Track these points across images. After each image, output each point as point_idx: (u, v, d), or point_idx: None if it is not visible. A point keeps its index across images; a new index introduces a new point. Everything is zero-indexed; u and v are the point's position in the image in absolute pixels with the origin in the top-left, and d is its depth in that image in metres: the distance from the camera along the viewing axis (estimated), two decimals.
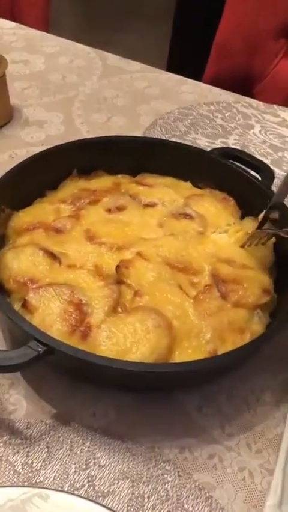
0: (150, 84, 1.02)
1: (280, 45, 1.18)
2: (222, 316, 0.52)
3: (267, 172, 0.66)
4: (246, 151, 0.77)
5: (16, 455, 0.47)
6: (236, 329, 0.51)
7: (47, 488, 0.42)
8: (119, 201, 0.64)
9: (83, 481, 0.46)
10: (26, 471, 0.46)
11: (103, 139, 0.70)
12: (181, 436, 0.49)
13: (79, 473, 0.46)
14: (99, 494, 0.45)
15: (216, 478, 0.47)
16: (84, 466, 0.46)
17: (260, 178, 0.65)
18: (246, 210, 0.65)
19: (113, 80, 1.02)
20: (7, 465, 0.46)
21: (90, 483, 0.45)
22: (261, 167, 0.67)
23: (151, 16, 2.70)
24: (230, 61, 1.23)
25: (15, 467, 0.46)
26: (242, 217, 0.65)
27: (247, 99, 0.99)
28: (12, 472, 0.46)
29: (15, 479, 0.45)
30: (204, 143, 0.87)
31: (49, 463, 0.46)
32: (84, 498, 0.41)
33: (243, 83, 1.20)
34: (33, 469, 0.46)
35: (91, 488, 0.45)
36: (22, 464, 0.46)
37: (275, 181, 0.66)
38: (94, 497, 0.45)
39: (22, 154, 0.81)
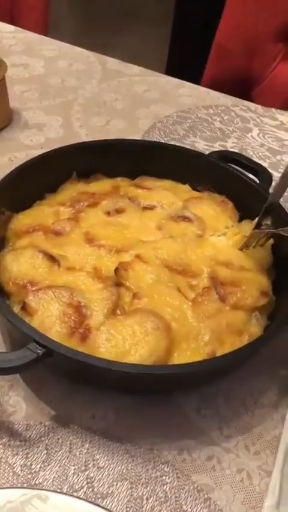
0: (149, 88, 1.02)
1: (279, 48, 1.19)
2: (221, 318, 0.52)
3: (265, 175, 0.66)
4: (244, 154, 0.77)
5: (15, 457, 0.47)
6: (234, 331, 0.51)
7: (46, 490, 0.42)
8: (118, 204, 0.64)
9: (82, 483, 0.46)
10: (25, 473, 0.46)
11: (102, 142, 0.71)
12: (180, 438, 0.49)
13: (78, 475, 0.46)
14: (98, 496, 0.45)
15: (214, 479, 0.47)
16: (83, 468, 0.47)
17: (258, 181, 0.65)
18: (244, 212, 0.65)
19: (112, 83, 1.03)
20: (6, 467, 0.46)
21: (89, 485, 0.46)
22: (259, 170, 0.67)
23: (150, 18, 2.70)
24: (229, 62, 1.23)
25: (15, 469, 0.46)
26: (240, 220, 0.65)
27: (245, 102, 0.99)
28: (11, 474, 0.46)
29: (14, 481, 0.45)
30: (202, 146, 0.87)
31: (48, 465, 0.47)
32: (83, 499, 0.41)
33: (242, 86, 1.21)
34: (33, 471, 0.46)
35: (90, 489, 0.45)
36: (21, 465, 0.46)
37: (273, 184, 0.66)
38: (93, 499, 0.45)
39: (21, 157, 0.81)
